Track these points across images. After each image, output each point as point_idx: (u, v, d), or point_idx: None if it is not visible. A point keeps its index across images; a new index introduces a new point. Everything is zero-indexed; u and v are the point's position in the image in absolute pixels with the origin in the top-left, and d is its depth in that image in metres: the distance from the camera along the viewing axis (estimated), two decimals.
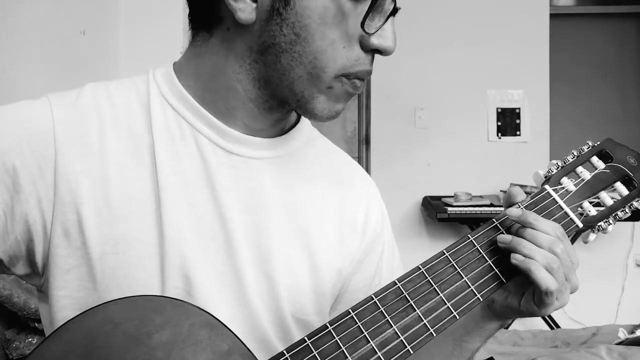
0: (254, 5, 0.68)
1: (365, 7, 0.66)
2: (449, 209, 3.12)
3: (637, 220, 3.21)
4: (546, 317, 3.29)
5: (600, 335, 2.41)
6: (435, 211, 3.16)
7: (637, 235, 3.58)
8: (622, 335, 2.32)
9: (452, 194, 3.27)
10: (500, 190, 3.38)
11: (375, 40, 0.68)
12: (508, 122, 3.55)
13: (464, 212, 3.11)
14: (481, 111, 3.55)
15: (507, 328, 2.75)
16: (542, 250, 0.67)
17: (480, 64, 3.52)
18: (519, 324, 3.40)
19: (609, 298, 3.55)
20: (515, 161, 3.50)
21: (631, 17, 3.86)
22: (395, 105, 3.54)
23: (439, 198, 3.38)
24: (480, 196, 3.31)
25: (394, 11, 0.68)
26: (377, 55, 0.71)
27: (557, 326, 3.24)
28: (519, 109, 3.55)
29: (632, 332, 2.35)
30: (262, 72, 0.71)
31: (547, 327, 3.21)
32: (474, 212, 3.10)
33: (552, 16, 3.57)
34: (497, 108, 3.55)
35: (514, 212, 0.70)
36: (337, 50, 0.67)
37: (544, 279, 0.66)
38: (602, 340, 2.30)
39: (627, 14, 3.85)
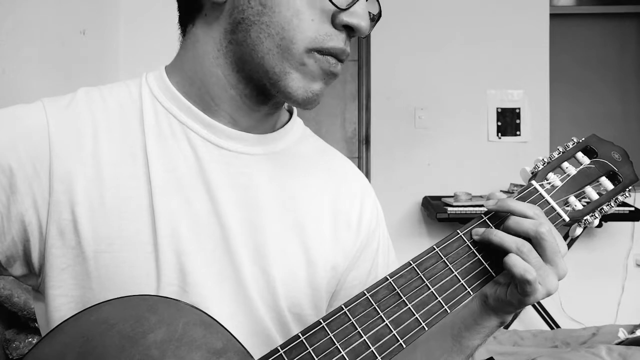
0: None
1: None
2: (449, 209, 3.12)
3: (637, 220, 3.21)
4: (546, 317, 3.29)
5: (600, 335, 2.41)
6: (435, 211, 3.16)
7: (637, 235, 3.58)
8: (622, 335, 2.32)
9: (452, 194, 3.27)
10: (500, 190, 3.38)
11: (346, 17, 0.69)
12: (508, 122, 3.55)
13: (464, 212, 3.10)
14: (481, 111, 3.55)
15: (507, 328, 2.74)
16: (510, 236, 0.68)
17: (480, 64, 3.52)
18: (519, 324, 3.40)
19: (609, 298, 3.55)
20: (515, 161, 3.50)
21: (631, 17, 3.86)
22: (395, 105, 3.54)
23: (439, 198, 3.38)
24: (480, 196, 3.31)
25: None
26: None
27: (557, 326, 3.24)
28: (519, 109, 3.55)
29: (632, 332, 2.35)
30: (237, 52, 0.72)
31: (547, 327, 3.21)
32: (474, 212, 3.10)
33: (552, 16, 3.57)
34: (497, 108, 3.55)
35: (490, 202, 0.71)
36: (304, 21, 0.68)
37: (517, 266, 0.67)
38: (602, 340, 2.30)
39: (627, 14, 3.84)
